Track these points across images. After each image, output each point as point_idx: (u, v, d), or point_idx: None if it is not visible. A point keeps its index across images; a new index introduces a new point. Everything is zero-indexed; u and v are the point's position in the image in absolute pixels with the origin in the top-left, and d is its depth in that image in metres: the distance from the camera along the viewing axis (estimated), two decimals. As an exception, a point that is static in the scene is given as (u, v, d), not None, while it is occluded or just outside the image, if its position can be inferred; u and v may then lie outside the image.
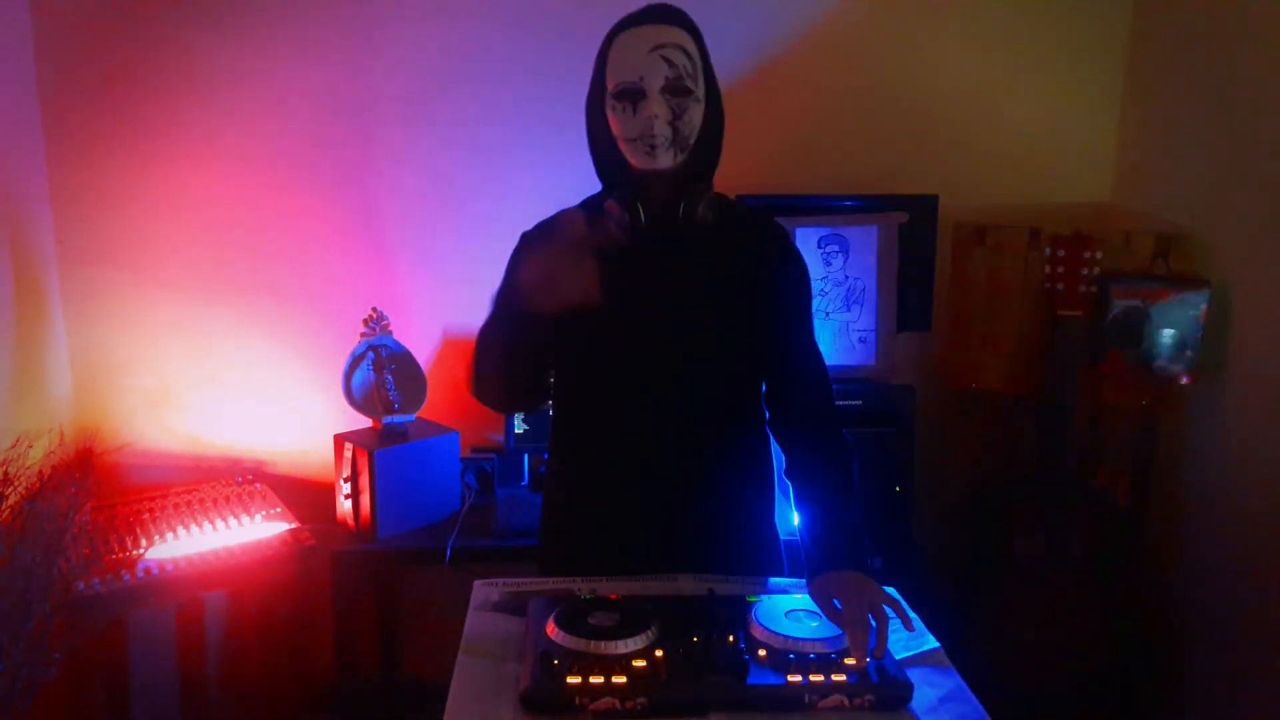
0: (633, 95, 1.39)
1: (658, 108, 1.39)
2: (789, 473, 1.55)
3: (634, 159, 1.43)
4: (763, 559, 1.59)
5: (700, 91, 1.42)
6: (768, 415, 1.58)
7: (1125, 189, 2.64)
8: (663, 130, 1.40)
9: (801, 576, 1.46)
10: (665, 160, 1.42)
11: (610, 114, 1.43)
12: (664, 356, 1.49)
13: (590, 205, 1.54)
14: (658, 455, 1.51)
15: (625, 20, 1.43)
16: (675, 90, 1.39)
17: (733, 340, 1.50)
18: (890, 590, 1.43)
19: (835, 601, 1.31)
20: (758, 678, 1.21)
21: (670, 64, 1.38)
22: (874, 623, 1.27)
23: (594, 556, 1.54)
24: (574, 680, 1.18)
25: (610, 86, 1.41)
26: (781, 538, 1.64)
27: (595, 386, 1.54)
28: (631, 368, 1.50)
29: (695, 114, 1.42)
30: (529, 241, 1.58)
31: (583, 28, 2.45)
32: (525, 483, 2.51)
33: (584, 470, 1.57)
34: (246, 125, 2.40)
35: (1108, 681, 2.29)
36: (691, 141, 1.43)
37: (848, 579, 1.35)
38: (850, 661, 1.24)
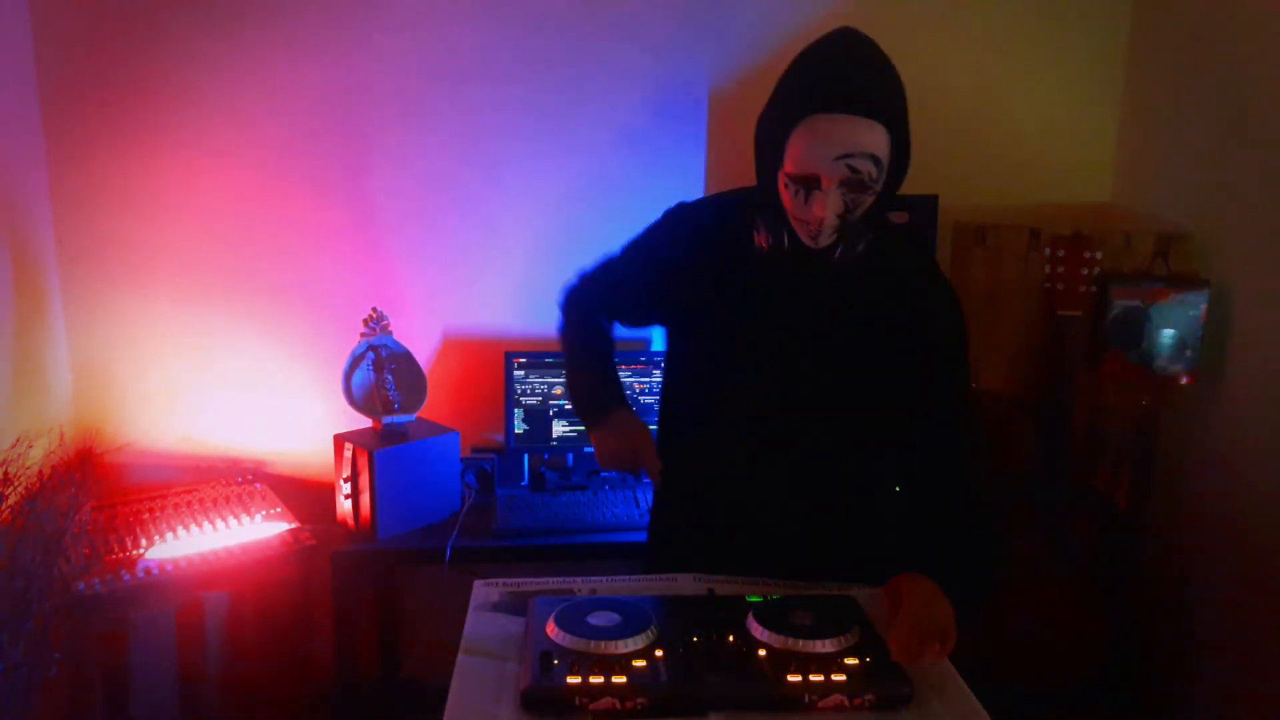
0: (807, 184, 1.31)
1: (832, 205, 1.31)
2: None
3: (796, 228, 1.37)
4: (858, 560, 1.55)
5: (881, 185, 1.33)
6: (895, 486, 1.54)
7: (1125, 189, 2.64)
8: (831, 224, 1.33)
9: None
10: (827, 243, 1.36)
11: (780, 185, 1.35)
12: (777, 384, 1.46)
13: (746, 195, 1.49)
14: (760, 484, 1.51)
15: (818, 97, 1.28)
16: (854, 187, 1.31)
17: (858, 386, 1.45)
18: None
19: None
20: (758, 678, 1.21)
21: (855, 170, 1.29)
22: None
23: (698, 557, 1.54)
24: (574, 680, 1.18)
25: (786, 166, 1.32)
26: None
27: (706, 402, 1.54)
28: (743, 389, 1.48)
29: (869, 202, 1.34)
30: (681, 217, 1.56)
31: (582, 27, 2.47)
32: (525, 483, 2.51)
33: (691, 479, 1.58)
34: (247, 125, 2.40)
35: (1108, 681, 2.29)
36: (859, 218, 1.35)
37: (930, 591, 1.32)
38: (851, 661, 1.24)
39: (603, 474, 2.51)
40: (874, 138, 1.28)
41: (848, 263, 1.38)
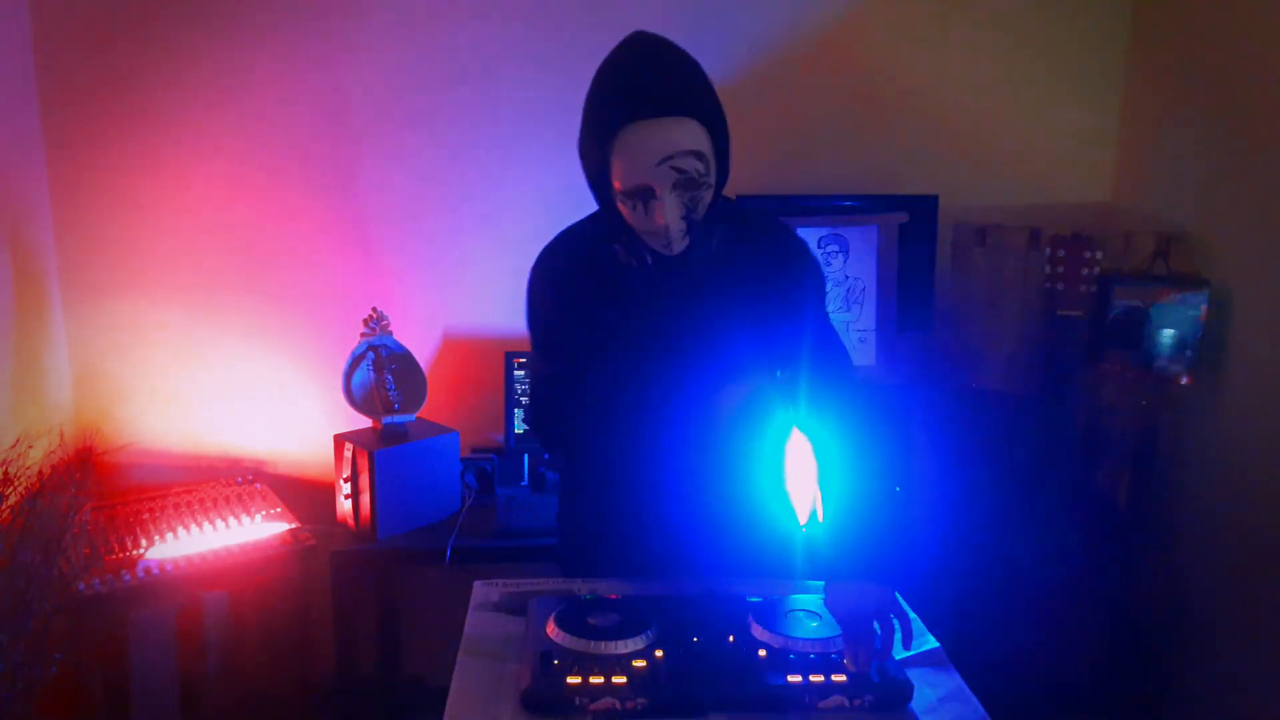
0: (642, 196, 1.31)
1: (671, 210, 1.31)
2: (820, 456, 1.52)
3: (647, 240, 1.38)
4: (775, 557, 1.59)
5: (713, 175, 1.33)
6: (797, 408, 1.55)
7: (1125, 189, 2.64)
8: (677, 227, 1.33)
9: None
10: (682, 246, 1.37)
11: (619, 203, 1.34)
12: (682, 378, 1.46)
13: (594, 225, 1.49)
14: (676, 468, 1.50)
15: (625, 108, 1.27)
16: (686, 186, 1.30)
17: (748, 354, 1.48)
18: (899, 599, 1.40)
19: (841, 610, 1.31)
20: (757, 678, 1.21)
21: (681, 170, 1.28)
22: (879, 630, 1.27)
23: (614, 560, 1.55)
24: (574, 680, 1.18)
25: (616, 185, 1.31)
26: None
27: (621, 409, 1.51)
28: (653, 390, 1.47)
29: (708, 196, 1.34)
30: (546, 269, 1.52)
31: (581, 27, 2.47)
32: (525, 483, 2.51)
33: (606, 482, 1.57)
34: (246, 125, 2.40)
35: (1108, 681, 2.29)
36: (703, 213, 1.36)
37: (853, 589, 1.33)
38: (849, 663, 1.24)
39: None
40: (690, 134, 1.27)
41: (707, 260, 1.40)
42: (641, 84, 1.28)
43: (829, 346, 1.53)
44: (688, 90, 1.30)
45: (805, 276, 1.52)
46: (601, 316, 1.47)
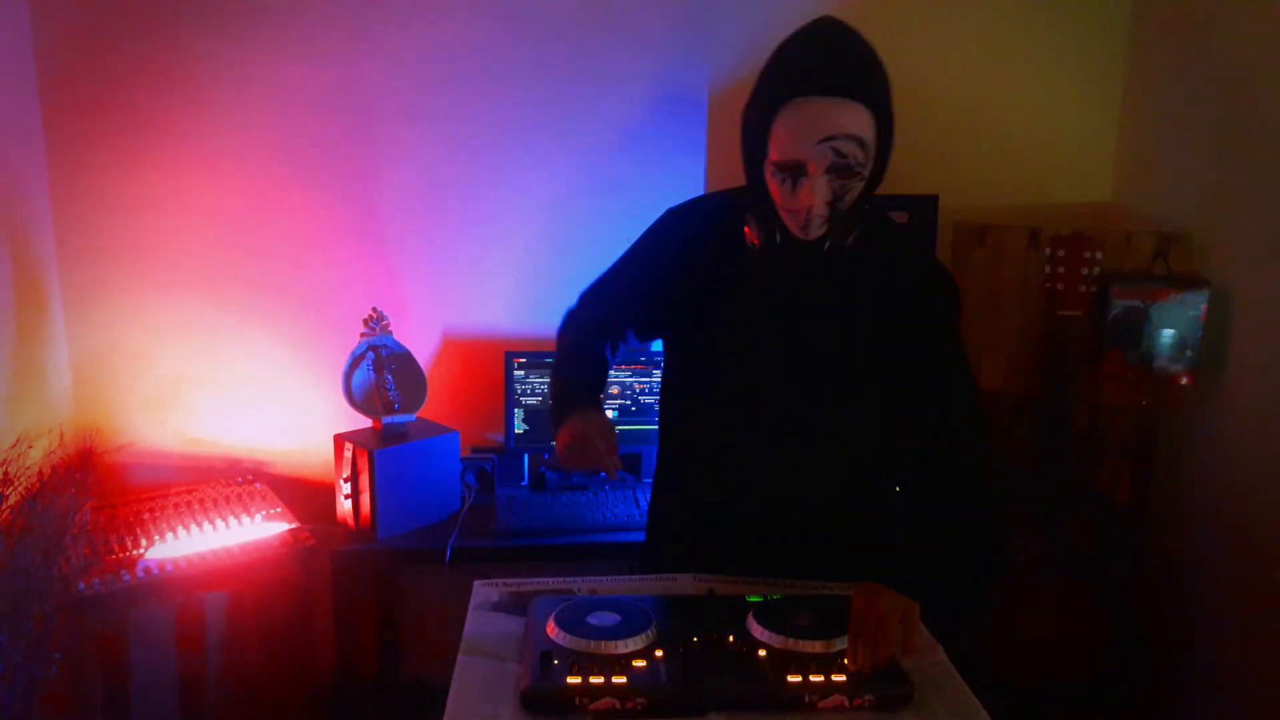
0: (794, 172, 1.30)
1: (819, 192, 1.30)
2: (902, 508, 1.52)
3: (786, 220, 1.36)
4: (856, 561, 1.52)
5: (869, 169, 1.32)
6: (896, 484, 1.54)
7: (1125, 189, 2.64)
8: (820, 212, 1.31)
9: None
10: (818, 233, 1.35)
11: (768, 175, 1.34)
12: (779, 379, 1.46)
13: (737, 197, 1.47)
14: (768, 456, 1.49)
15: (798, 81, 1.27)
16: (841, 172, 1.29)
17: (858, 360, 1.44)
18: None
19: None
20: (758, 678, 1.21)
21: (841, 154, 1.27)
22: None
23: (698, 556, 1.54)
24: (574, 680, 1.18)
25: (771, 155, 1.31)
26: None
27: (709, 402, 1.52)
28: (743, 386, 1.48)
29: (858, 189, 1.33)
30: (674, 222, 1.55)
31: (583, 27, 2.47)
32: (525, 483, 2.51)
33: (695, 479, 1.58)
34: (246, 125, 2.40)
35: (1108, 681, 2.29)
36: (849, 204, 1.34)
37: (879, 591, 1.32)
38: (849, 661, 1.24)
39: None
40: (856, 119, 1.27)
41: (838, 253, 1.36)
42: (818, 62, 1.28)
43: (956, 399, 1.45)
44: (862, 77, 1.29)
45: (940, 303, 1.46)
46: (712, 284, 1.46)
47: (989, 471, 1.46)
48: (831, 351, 1.45)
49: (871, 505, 1.56)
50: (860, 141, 1.28)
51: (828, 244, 1.36)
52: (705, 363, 1.52)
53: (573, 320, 1.66)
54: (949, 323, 1.48)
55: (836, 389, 1.46)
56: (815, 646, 1.26)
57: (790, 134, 1.28)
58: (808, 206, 1.31)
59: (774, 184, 1.34)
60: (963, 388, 1.47)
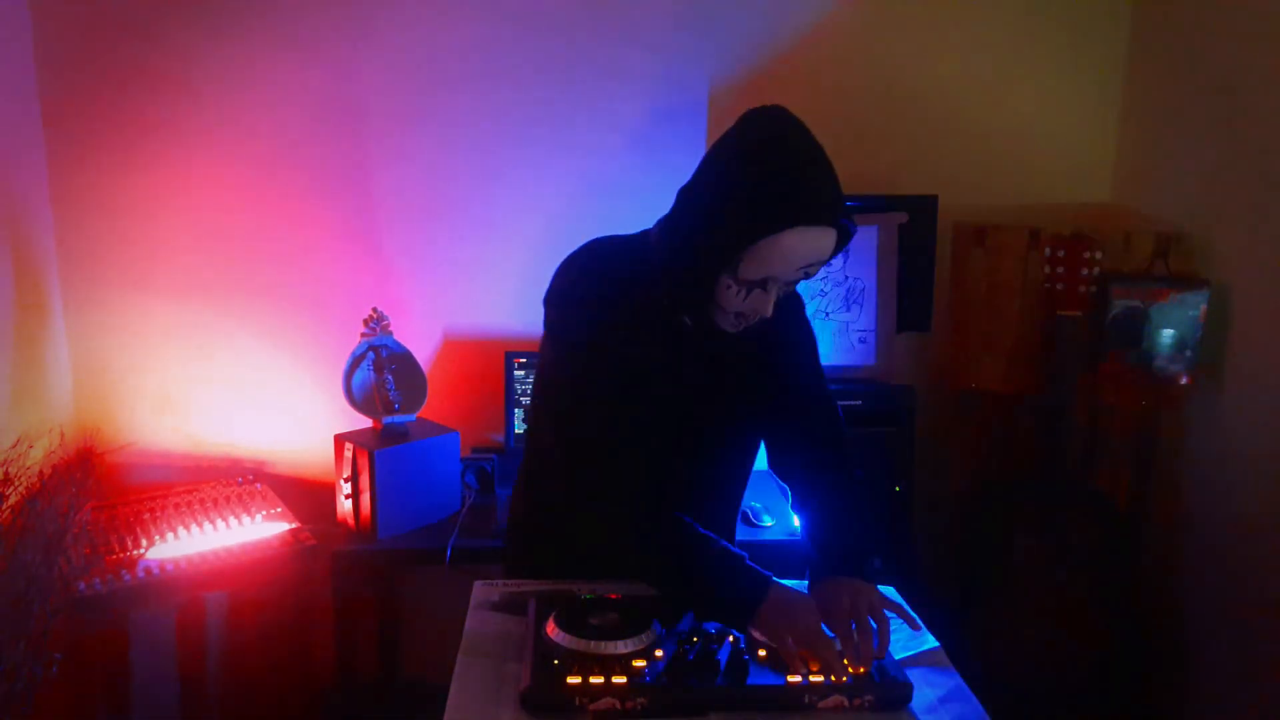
0: (753, 285, 1.28)
1: (774, 302, 1.31)
2: (795, 497, 1.57)
3: (717, 318, 1.34)
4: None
5: None
6: (770, 454, 1.61)
7: (1125, 189, 2.64)
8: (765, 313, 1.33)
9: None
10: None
11: (722, 281, 1.28)
12: (702, 430, 1.49)
13: (626, 247, 1.44)
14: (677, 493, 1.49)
15: (800, 212, 1.21)
16: (793, 282, 1.32)
17: (753, 407, 1.52)
18: (889, 591, 1.43)
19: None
20: (758, 678, 1.21)
21: (808, 275, 1.30)
22: (874, 625, 1.27)
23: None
24: (574, 680, 1.18)
25: (741, 273, 1.26)
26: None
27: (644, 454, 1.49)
28: (678, 440, 1.48)
29: None
30: (589, 323, 1.39)
31: (583, 27, 2.47)
32: (525, 483, 2.51)
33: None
34: (246, 126, 2.40)
35: (1108, 681, 2.29)
36: None
37: (842, 585, 1.34)
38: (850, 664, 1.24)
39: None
40: (831, 242, 1.26)
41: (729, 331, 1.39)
42: (822, 192, 1.23)
43: (818, 398, 1.56)
44: (842, 200, 1.26)
45: (804, 340, 1.56)
46: (644, 366, 1.39)
47: (841, 425, 1.56)
48: (727, 401, 1.48)
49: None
50: (823, 262, 1.29)
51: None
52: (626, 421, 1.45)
53: (608, 516, 1.40)
54: (812, 352, 1.57)
55: (734, 429, 1.53)
56: (815, 647, 1.26)
57: (774, 260, 1.24)
58: (759, 315, 1.31)
59: (724, 289, 1.28)
60: (809, 368, 1.56)
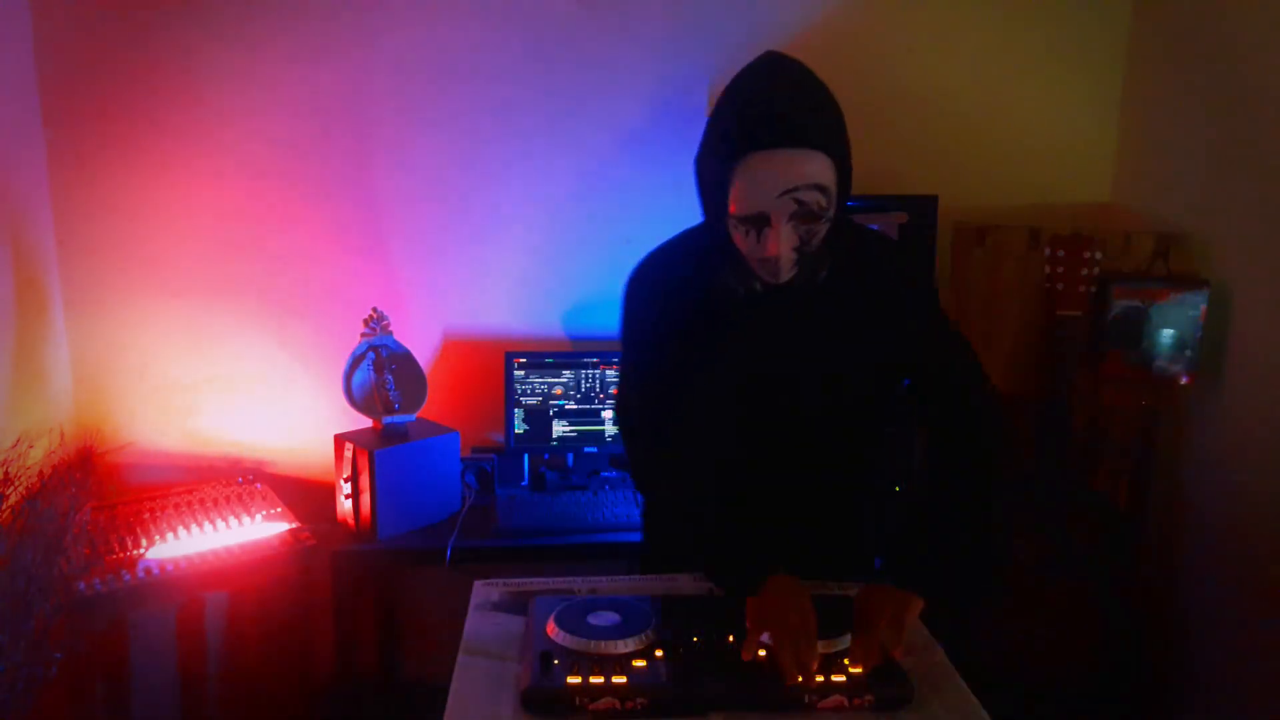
0: (757, 223, 1.28)
1: (785, 240, 1.28)
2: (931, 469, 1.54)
3: (758, 270, 1.35)
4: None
5: (833, 210, 1.29)
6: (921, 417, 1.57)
7: (1125, 189, 2.64)
8: (788, 257, 1.30)
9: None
10: (789, 276, 1.34)
11: (731, 228, 1.32)
12: (780, 412, 1.47)
13: (696, 241, 1.47)
14: (773, 499, 1.53)
15: (754, 135, 1.23)
16: (805, 218, 1.28)
17: (850, 387, 1.47)
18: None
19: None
20: (758, 678, 1.21)
21: (803, 203, 1.25)
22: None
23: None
24: (574, 680, 1.18)
25: (732, 209, 1.28)
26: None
27: (710, 433, 1.51)
28: (752, 419, 1.48)
29: (824, 230, 1.31)
30: (646, 286, 1.49)
31: (583, 26, 2.47)
32: (525, 483, 2.51)
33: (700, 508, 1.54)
34: (246, 126, 2.40)
35: (1108, 682, 2.29)
36: (816, 245, 1.33)
37: (876, 591, 1.33)
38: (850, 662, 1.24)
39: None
40: (816, 167, 1.24)
41: (811, 291, 1.37)
42: (774, 113, 1.23)
43: (952, 362, 1.52)
44: (819, 124, 1.25)
45: (911, 301, 1.49)
46: (704, 340, 1.44)
47: (1000, 456, 1.51)
48: (820, 382, 1.47)
49: (854, 508, 1.62)
50: (821, 188, 1.26)
51: (798, 284, 1.35)
52: (707, 399, 1.50)
53: (638, 430, 1.53)
54: (934, 311, 1.52)
55: (832, 407, 1.49)
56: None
57: (749, 189, 1.25)
58: (775, 257, 1.30)
59: (738, 235, 1.32)
60: (970, 369, 1.53)
